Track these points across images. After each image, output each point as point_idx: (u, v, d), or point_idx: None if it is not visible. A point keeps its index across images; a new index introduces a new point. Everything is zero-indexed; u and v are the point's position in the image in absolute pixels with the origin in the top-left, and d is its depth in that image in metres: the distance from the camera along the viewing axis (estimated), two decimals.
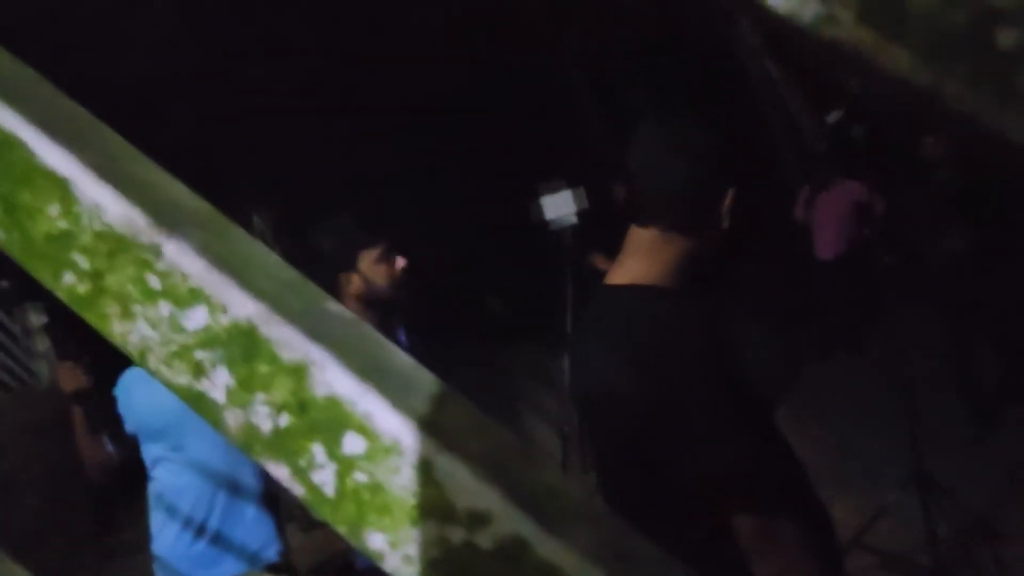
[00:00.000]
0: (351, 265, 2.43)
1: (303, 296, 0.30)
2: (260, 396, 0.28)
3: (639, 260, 1.29)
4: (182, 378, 0.29)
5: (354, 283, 2.43)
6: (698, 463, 1.20)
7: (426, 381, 0.30)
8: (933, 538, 3.73)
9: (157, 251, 0.29)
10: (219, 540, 2.06)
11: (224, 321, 0.29)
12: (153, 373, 0.29)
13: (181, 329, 0.29)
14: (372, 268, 2.41)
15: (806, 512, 1.31)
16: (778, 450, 1.34)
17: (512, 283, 7.08)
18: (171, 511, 2.09)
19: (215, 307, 0.29)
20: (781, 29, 0.25)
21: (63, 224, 0.29)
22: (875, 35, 0.24)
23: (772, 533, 1.22)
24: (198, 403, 0.28)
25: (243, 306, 0.29)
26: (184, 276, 0.29)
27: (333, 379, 0.28)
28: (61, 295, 0.30)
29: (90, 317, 0.29)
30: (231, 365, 0.28)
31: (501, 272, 7.25)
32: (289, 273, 0.31)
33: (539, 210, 4.18)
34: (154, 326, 0.29)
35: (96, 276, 0.29)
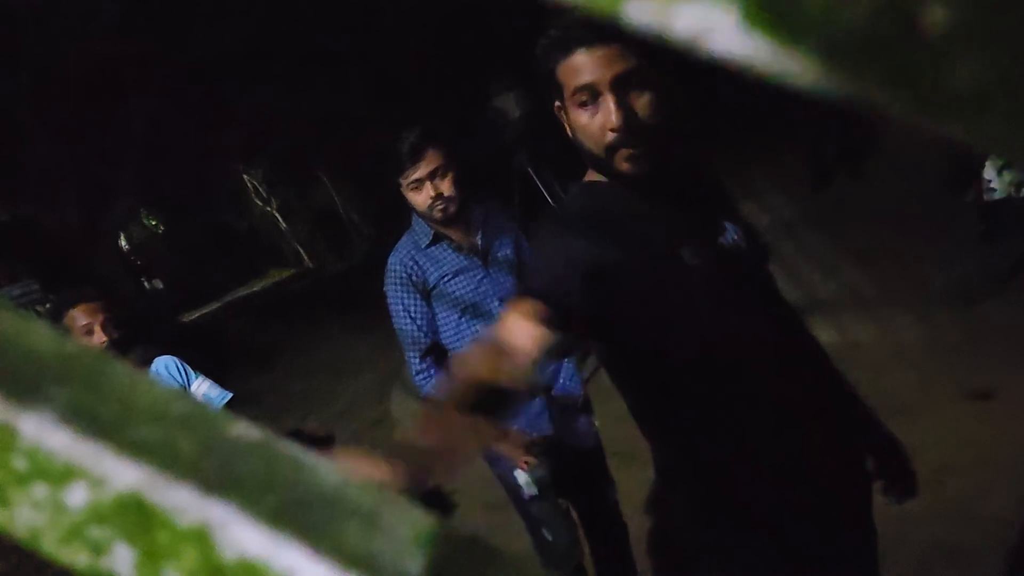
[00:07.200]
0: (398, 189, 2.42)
1: (198, 432, 0.27)
2: (169, 568, 0.25)
3: None
4: (82, 558, 0.26)
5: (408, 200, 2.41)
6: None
7: (353, 498, 0.27)
8: None
9: (12, 432, 0.25)
10: None
11: (108, 494, 0.25)
12: (51, 556, 0.26)
13: (65, 509, 0.25)
14: (408, 194, 2.40)
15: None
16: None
17: None
18: None
19: (94, 481, 0.25)
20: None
21: None
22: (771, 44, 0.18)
23: None
24: None
25: (123, 474, 0.25)
26: (50, 453, 0.25)
27: (240, 537, 0.25)
28: None
29: None
30: (129, 539, 0.25)
31: None
32: (181, 405, 0.27)
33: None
34: (36, 509, 0.26)
35: None
